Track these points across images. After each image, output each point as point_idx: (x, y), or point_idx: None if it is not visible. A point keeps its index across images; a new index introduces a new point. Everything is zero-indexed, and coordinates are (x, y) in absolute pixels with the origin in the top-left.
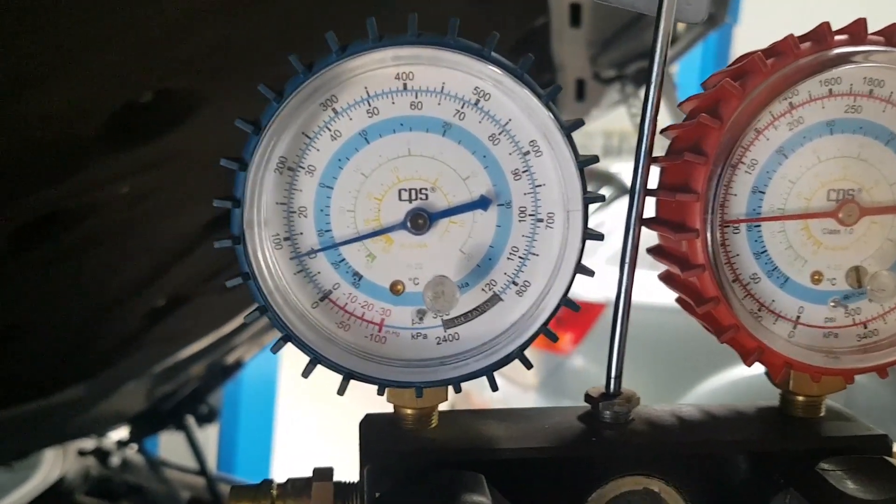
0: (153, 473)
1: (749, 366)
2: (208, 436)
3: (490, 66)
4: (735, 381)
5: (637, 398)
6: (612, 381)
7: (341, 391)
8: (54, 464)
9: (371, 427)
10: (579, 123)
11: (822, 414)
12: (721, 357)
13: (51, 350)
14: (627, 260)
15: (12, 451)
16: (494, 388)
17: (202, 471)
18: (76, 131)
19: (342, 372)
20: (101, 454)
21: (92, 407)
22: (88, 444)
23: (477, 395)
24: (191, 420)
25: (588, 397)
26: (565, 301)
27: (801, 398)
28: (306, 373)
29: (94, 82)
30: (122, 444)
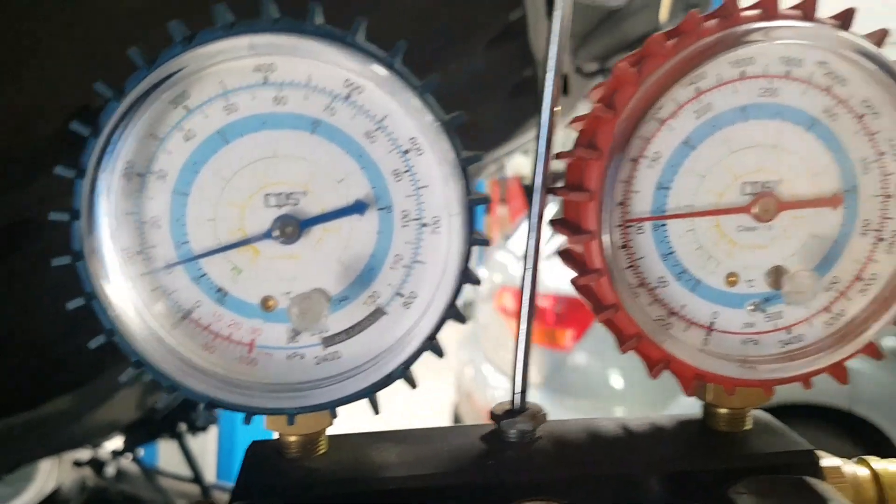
0: (149, 483)
1: (653, 378)
2: (207, 444)
3: (358, 56)
4: None
5: (543, 414)
6: (517, 397)
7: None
8: (50, 475)
9: (253, 457)
10: (459, 118)
11: (747, 427)
12: None
13: (35, 361)
14: (529, 265)
15: (3, 463)
16: (376, 411)
17: (197, 479)
18: (32, 134)
19: (202, 400)
20: (97, 464)
21: (83, 417)
22: (84, 454)
23: (480, 395)
24: (184, 428)
25: (492, 415)
26: (452, 313)
27: (723, 411)
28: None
29: (48, 84)
30: (117, 454)
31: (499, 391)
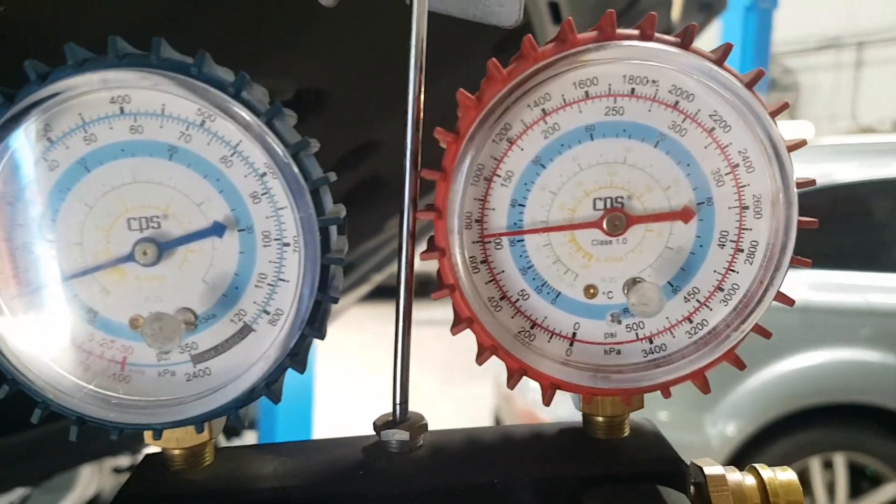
0: None
1: (510, 388)
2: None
3: (201, 87)
4: (785, 374)
5: (423, 424)
6: (397, 408)
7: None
8: (90, 482)
9: (141, 469)
10: (304, 144)
11: (625, 434)
12: (769, 351)
13: None
14: (403, 279)
15: (39, 471)
16: (241, 426)
17: None
18: None
19: (71, 416)
20: None
21: None
22: (123, 461)
23: (520, 398)
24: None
25: (374, 425)
26: (309, 331)
27: (599, 419)
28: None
29: None
30: None
31: (539, 394)
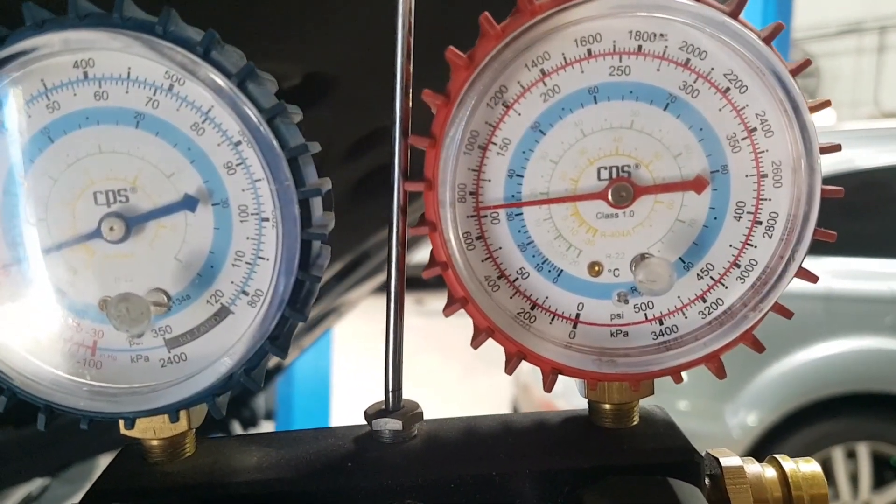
0: None
1: (508, 374)
2: None
3: (167, 47)
4: (807, 363)
5: (418, 413)
6: (390, 395)
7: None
8: None
9: (118, 460)
10: (280, 108)
11: (634, 423)
12: (791, 339)
13: None
14: (394, 258)
15: (57, 461)
16: (218, 415)
17: None
18: None
19: (39, 404)
20: None
21: None
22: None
23: (537, 388)
24: (236, 424)
25: (365, 415)
26: (291, 313)
27: (606, 407)
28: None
29: None
30: None
31: (558, 384)
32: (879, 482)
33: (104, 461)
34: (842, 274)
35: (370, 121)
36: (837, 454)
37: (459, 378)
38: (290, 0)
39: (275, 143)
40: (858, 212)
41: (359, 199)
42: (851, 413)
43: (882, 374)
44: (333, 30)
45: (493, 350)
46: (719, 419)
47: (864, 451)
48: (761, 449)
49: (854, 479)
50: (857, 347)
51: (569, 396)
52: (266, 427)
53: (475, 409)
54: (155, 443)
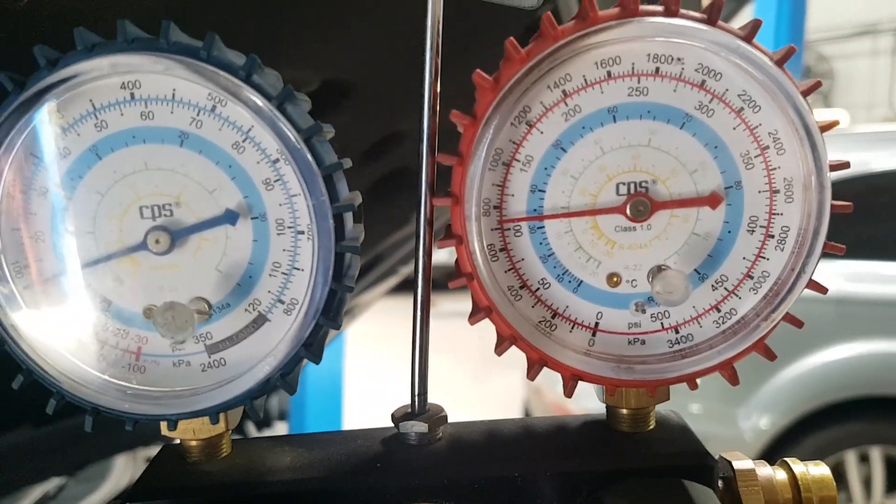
0: None
1: (531, 380)
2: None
3: (210, 71)
4: (820, 367)
5: (443, 416)
6: (416, 399)
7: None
8: (124, 472)
9: (159, 460)
10: (316, 129)
11: (650, 427)
12: (804, 342)
13: None
14: (421, 268)
15: (74, 461)
16: (256, 417)
17: None
18: None
19: (86, 406)
20: None
21: None
22: (156, 450)
23: (549, 390)
24: (250, 425)
25: (392, 417)
26: (324, 321)
27: (624, 411)
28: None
29: None
30: None
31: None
32: (893, 486)
33: (120, 461)
34: (855, 277)
35: (385, 126)
36: (850, 458)
37: (471, 380)
38: (308, 7)
39: (311, 160)
40: (873, 215)
41: (372, 203)
42: (864, 417)
43: (895, 378)
44: (350, 36)
45: (509, 353)
46: (732, 422)
47: (877, 454)
48: (774, 452)
49: (867, 483)
50: (869, 351)
51: (580, 399)
52: (280, 427)
53: (486, 410)
54: (194, 443)
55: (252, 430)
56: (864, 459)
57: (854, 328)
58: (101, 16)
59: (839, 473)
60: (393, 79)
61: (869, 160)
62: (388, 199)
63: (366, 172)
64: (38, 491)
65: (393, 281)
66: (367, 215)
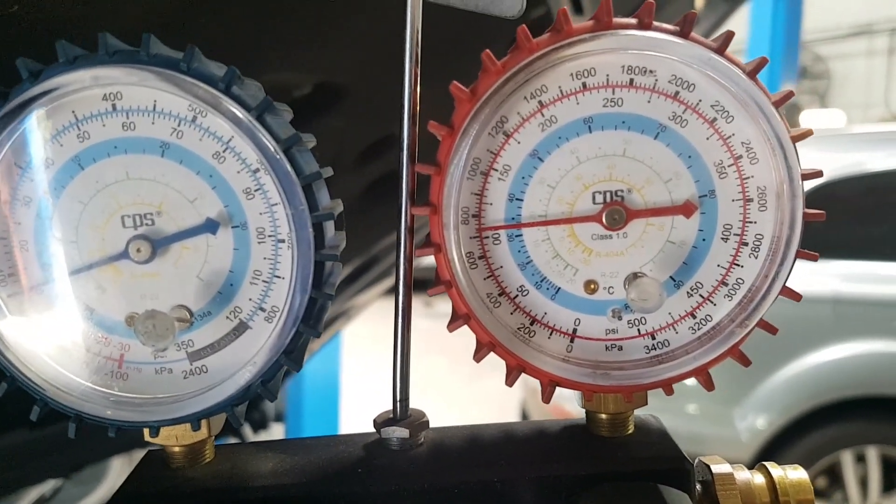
0: None
1: (509, 385)
2: (275, 438)
3: (189, 83)
4: (816, 367)
5: (424, 421)
6: (398, 405)
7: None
8: (120, 474)
9: (142, 466)
10: (295, 139)
11: (629, 432)
12: (800, 343)
13: None
14: (402, 275)
15: (70, 463)
16: (237, 424)
17: None
18: None
19: (69, 413)
20: None
21: None
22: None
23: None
24: (246, 426)
25: (374, 423)
26: (305, 329)
27: (602, 416)
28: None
29: None
30: None
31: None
32: (889, 486)
33: (116, 463)
34: (851, 277)
35: (379, 128)
36: (847, 458)
37: (466, 381)
38: (301, 11)
39: (290, 170)
40: (868, 215)
41: (368, 205)
42: (861, 417)
43: (891, 378)
44: (343, 40)
45: (494, 355)
46: (728, 423)
47: (873, 454)
48: (770, 452)
49: (863, 483)
50: (866, 351)
51: (577, 399)
52: (276, 428)
53: (482, 412)
54: (177, 449)
55: (249, 432)
56: (861, 459)
57: (850, 328)
58: (96, 25)
59: (836, 473)
60: (387, 81)
61: (865, 160)
62: (383, 202)
63: (361, 175)
64: (35, 493)
65: (389, 282)
66: (363, 217)
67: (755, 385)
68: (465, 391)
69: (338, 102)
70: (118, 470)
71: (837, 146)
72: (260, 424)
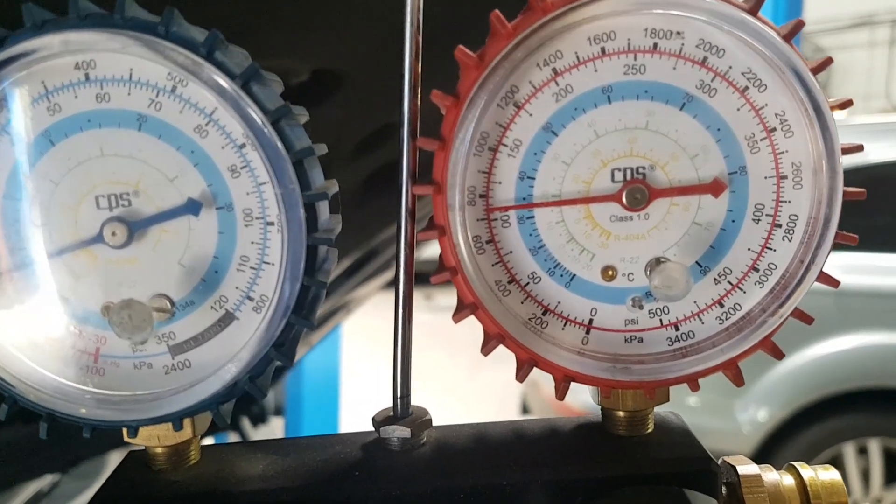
0: None
1: (519, 381)
2: (274, 432)
3: (169, 48)
4: (819, 359)
5: (427, 420)
6: (398, 402)
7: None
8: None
9: (123, 468)
10: (285, 110)
11: (648, 430)
12: (803, 334)
13: None
14: (403, 263)
15: (67, 457)
16: (223, 423)
17: None
18: None
19: (41, 412)
20: None
21: None
22: None
23: (547, 386)
24: (245, 420)
25: (373, 421)
26: (296, 320)
27: (620, 414)
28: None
29: None
30: None
31: None
32: (891, 478)
33: (114, 457)
34: (853, 269)
35: (379, 117)
36: (849, 450)
37: (468, 374)
38: None
39: (279, 145)
40: (870, 206)
41: (368, 196)
42: (863, 409)
43: (894, 370)
44: (342, 26)
45: (501, 347)
46: (730, 415)
47: (875, 447)
48: (772, 445)
49: (866, 476)
50: (868, 343)
51: (579, 393)
52: (276, 422)
53: (483, 405)
54: (159, 450)
55: (247, 426)
56: (863, 452)
57: (853, 320)
58: None
59: (838, 466)
60: (387, 68)
61: (867, 151)
62: (383, 193)
63: (360, 165)
64: (32, 488)
65: (389, 275)
66: (363, 209)
67: (757, 377)
68: (466, 384)
69: (336, 91)
70: (116, 465)
71: (840, 137)
72: (259, 418)
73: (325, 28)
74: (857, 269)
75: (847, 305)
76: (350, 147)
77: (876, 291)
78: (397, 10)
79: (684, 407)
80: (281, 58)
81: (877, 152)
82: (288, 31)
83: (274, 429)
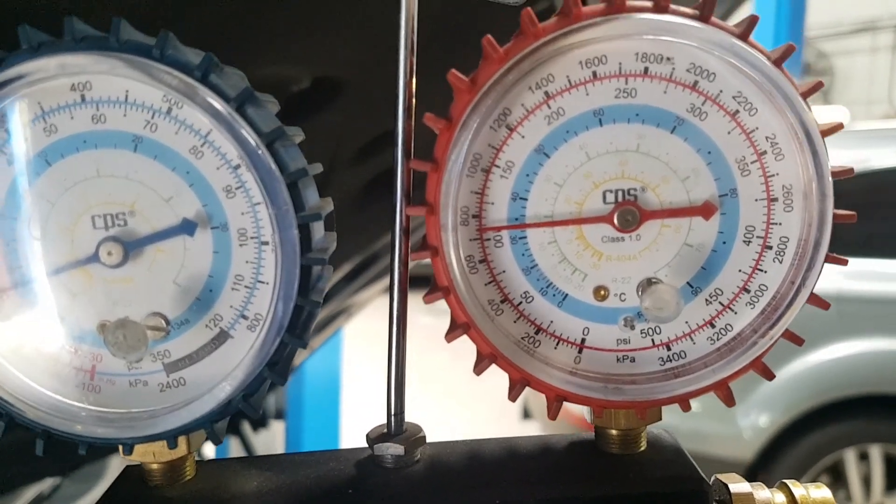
0: None
1: (512, 401)
2: (275, 436)
3: (164, 71)
4: (819, 365)
5: (421, 437)
6: (392, 419)
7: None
8: (119, 472)
9: (118, 484)
10: (279, 132)
11: (641, 449)
12: (806, 338)
13: None
14: (397, 281)
15: (68, 461)
16: (217, 441)
17: None
18: None
19: (36, 429)
20: None
21: None
22: None
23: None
24: (246, 424)
25: (367, 438)
26: (290, 339)
27: (613, 432)
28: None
29: None
30: None
31: None
32: (892, 484)
33: (115, 461)
34: (854, 275)
35: (380, 123)
36: (850, 456)
37: (468, 378)
38: (300, 4)
39: (273, 167)
40: (872, 212)
41: (368, 200)
42: (864, 415)
43: (895, 376)
44: (342, 33)
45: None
46: (731, 420)
47: (876, 453)
48: (773, 451)
49: (867, 482)
50: (869, 349)
51: (586, 414)
52: (277, 426)
53: (483, 410)
54: (155, 466)
55: (248, 430)
56: (864, 458)
57: (853, 326)
58: (85, 13)
59: (839, 472)
60: (386, 76)
61: (869, 157)
62: (383, 198)
63: (361, 171)
64: (33, 491)
65: (388, 280)
66: (363, 214)
67: (758, 383)
68: (467, 387)
69: (336, 98)
70: (117, 469)
71: (841, 143)
72: (260, 422)
73: (326, 35)
74: (858, 275)
75: (847, 311)
76: (351, 153)
77: (877, 297)
78: (396, 18)
79: (686, 413)
80: (282, 65)
81: (879, 158)
82: (289, 39)
83: (275, 433)
